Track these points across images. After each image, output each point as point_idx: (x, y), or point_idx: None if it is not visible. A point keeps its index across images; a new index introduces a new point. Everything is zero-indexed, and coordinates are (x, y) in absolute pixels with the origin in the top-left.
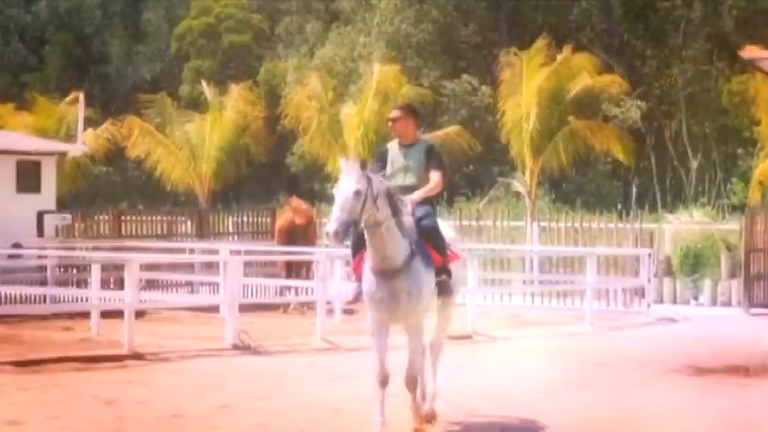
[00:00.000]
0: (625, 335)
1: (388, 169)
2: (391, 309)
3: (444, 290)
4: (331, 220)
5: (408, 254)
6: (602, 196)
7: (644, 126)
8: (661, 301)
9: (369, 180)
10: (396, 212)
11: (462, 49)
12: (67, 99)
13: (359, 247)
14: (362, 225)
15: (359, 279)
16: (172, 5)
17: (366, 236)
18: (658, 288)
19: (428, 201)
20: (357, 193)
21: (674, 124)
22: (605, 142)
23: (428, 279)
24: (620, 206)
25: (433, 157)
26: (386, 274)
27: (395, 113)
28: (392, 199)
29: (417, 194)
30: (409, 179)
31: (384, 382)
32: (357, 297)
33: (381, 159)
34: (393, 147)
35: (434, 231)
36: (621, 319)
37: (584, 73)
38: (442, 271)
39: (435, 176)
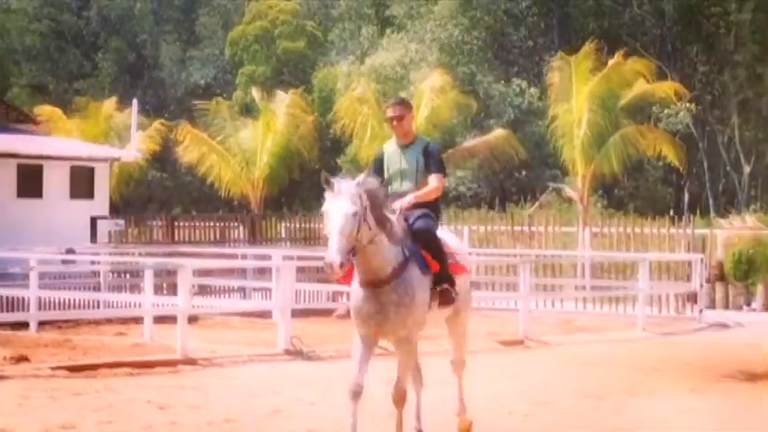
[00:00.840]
0: (677, 340)
1: (385, 174)
2: (378, 323)
3: (446, 299)
4: (331, 249)
5: (400, 261)
6: (654, 201)
7: (696, 131)
8: (713, 307)
9: (361, 198)
10: (381, 223)
11: (514, 54)
12: (107, 101)
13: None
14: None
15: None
16: (227, 11)
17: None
18: (710, 293)
19: (427, 205)
20: (355, 214)
21: (726, 129)
22: (657, 146)
23: (423, 287)
24: (672, 211)
25: (431, 157)
26: (374, 285)
27: (396, 111)
28: (377, 209)
29: (408, 199)
30: (406, 184)
31: (357, 393)
32: (347, 312)
33: (378, 166)
34: (389, 148)
35: (428, 235)
36: (673, 325)
37: (639, 79)
38: (443, 278)
39: (433, 180)
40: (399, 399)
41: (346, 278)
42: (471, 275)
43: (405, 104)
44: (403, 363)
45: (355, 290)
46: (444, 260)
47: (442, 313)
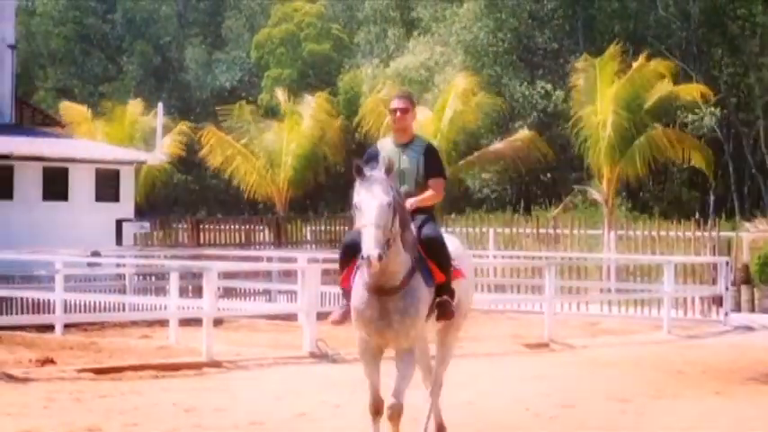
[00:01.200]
0: (702, 343)
1: None
2: (380, 330)
3: (445, 312)
4: (370, 241)
5: (409, 269)
6: (679, 204)
7: (722, 134)
8: (738, 310)
9: (392, 188)
10: (404, 225)
11: (538, 56)
12: (131, 104)
13: (349, 258)
14: None
15: (347, 296)
16: (253, 13)
17: None
18: (736, 296)
19: (426, 209)
20: (389, 204)
21: (752, 132)
22: (685, 153)
23: (426, 301)
24: (697, 214)
25: (432, 160)
26: (382, 291)
27: (402, 103)
28: (402, 208)
29: (411, 202)
30: (404, 186)
31: (378, 411)
32: (344, 316)
33: (372, 161)
34: (386, 146)
35: (437, 242)
36: (699, 328)
37: (664, 81)
38: (444, 290)
39: (435, 184)
40: (396, 414)
41: (345, 282)
42: (471, 280)
43: (410, 99)
44: (402, 373)
45: (358, 293)
46: (449, 271)
47: (437, 324)
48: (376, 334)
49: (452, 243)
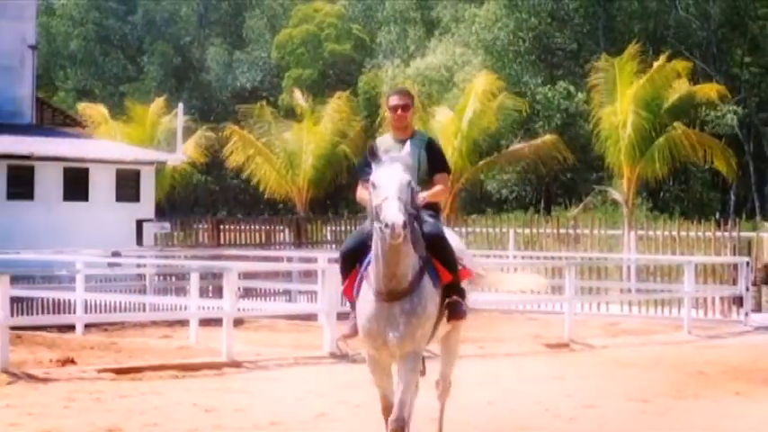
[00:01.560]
0: (723, 344)
1: None
2: (386, 340)
3: (456, 312)
4: (392, 211)
5: (417, 270)
6: (700, 204)
7: (742, 134)
8: (759, 310)
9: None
10: (416, 219)
11: (559, 56)
12: (153, 105)
13: (349, 267)
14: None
15: (354, 307)
16: (275, 14)
17: (380, 247)
18: (756, 297)
19: (431, 206)
20: (409, 184)
21: None
22: (707, 156)
23: (434, 300)
24: (717, 214)
25: (435, 154)
26: (390, 296)
27: (403, 99)
28: (414, 203)
29: (423, 196)
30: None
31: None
32: (355, 329)
33: (372, 159)
34: (385, 142)
35: (441, 239)
36: (719, 328)
37: (682, 80)
38: (453, 289)
39: (442, 179)
40: (398, 427)
41: (348, 291)
42: (486, 278)
43: (410, 95)
44: (406, 381)
45: (364, 305)
46: (456, 269)
47: (447, 327)
48: (383, 347)
49: (455, 241)
